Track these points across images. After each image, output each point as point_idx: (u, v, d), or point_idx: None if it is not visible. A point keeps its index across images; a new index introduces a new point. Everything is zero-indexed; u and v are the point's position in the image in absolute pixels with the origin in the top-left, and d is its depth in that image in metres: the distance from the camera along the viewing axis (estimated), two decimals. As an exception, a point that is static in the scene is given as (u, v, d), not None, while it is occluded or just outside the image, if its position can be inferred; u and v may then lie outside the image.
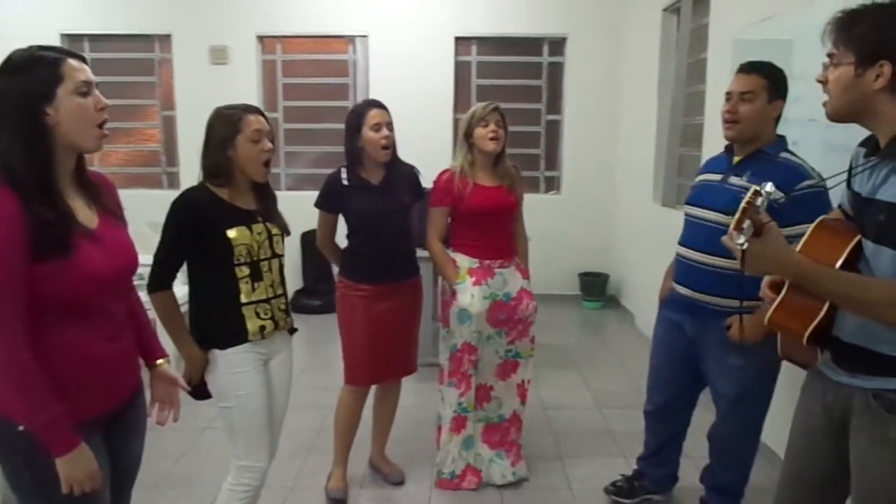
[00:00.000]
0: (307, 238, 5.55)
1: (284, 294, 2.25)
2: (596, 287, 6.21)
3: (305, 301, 5.66)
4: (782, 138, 2.35)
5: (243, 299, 2.09)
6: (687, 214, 2.50)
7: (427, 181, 2.96)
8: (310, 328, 4.72)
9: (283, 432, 2.36)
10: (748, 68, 2.34)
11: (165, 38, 6.17)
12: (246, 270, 2.08)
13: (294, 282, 5.81)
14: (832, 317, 1.50)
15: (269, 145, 2.12)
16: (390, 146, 2.73)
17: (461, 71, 6.25)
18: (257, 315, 2.12)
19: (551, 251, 5.63)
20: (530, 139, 6.38)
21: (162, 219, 2.06)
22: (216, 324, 2.10)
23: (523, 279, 2.97)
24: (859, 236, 1.48)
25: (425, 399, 3.71)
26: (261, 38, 6.19)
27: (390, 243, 2.78)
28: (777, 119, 2.34)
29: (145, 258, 1.76)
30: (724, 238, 1.44)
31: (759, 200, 1.33)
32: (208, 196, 2.08)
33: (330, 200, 2.79)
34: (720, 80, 3.67)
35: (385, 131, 2.69)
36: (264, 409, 2.16)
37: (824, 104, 1.52)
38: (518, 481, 3.04)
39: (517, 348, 2.97)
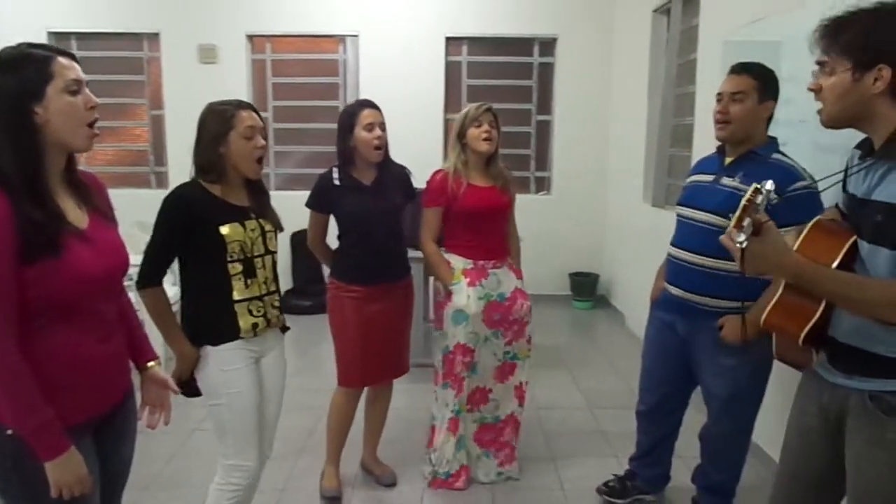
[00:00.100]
0: (297, 238, 5.53)
1: (278, 291, 2.23)
2: (586, 287, 6.23)
3: (295, 301, 5.63)
4: (774, 139, 2.36)
5: (236, 296, 2.08)
6: (678, 215, 2.50)
7: (417, 181, 2.95)
8: (300, 329, 4.67)
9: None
10: (739, 69, 2.35)
11: (154, 37, 6.12)
12: (239, 267, 2.07)
13: (284, 282, 5.72)
14: (828, 317, 1.51)
15: (262, 142, 2.11)
16: (383, 146, 2.72)
17: (452, 71, 6.25)
18: (250, 312, 2.10)
19: (541, 251, 5.63)
20: (520, 139, 6.37)
21: (150, 219, 2.05)
22: (208, 321, 2.09)
23: (517, 279, 2.97)
24: (855, 237, 1.48)
25: (417, 400, 3.70)
26: (250, 38, 6.15)
27: (382, 244, 2.77)
28: (768, 120, 2.35)
29: (134, 258, 1.75)
30: (723, 237, 1.43)
31: (760, 199, 1.33)
32: (201, 192, 2.07)
33: (321, 200, 2.77)
34: (710, 81, 3.68)
35: (378, 131, 2.68)
36: (255, 408, 2.14)
37: (819, 112, 1.51)
38: (505, 481, 3.05)
39: (514, 349, 2.97)
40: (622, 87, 5.88)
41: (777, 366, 2.21)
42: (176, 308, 2.13)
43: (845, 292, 1.42)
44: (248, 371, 2.12)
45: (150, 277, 2.05)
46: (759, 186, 1.34)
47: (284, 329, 2.32)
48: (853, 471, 1.52)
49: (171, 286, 2.10)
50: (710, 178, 2.40)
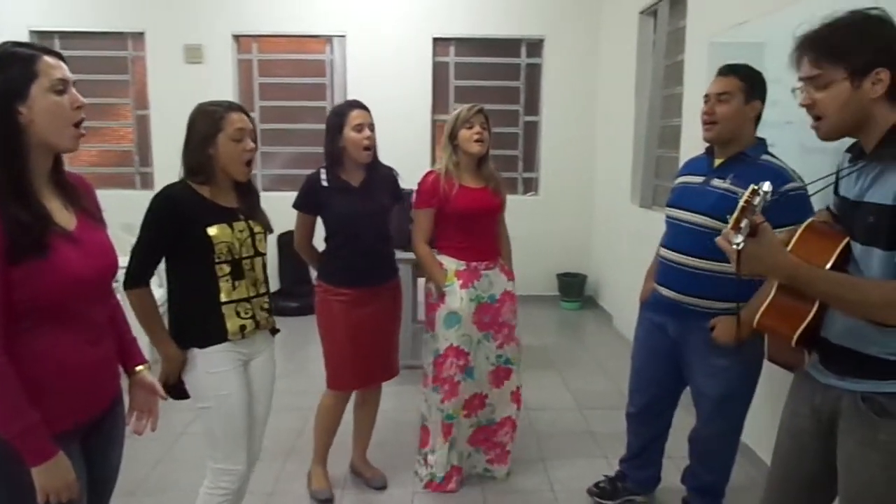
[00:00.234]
0: (284, 239, 5.49)
1: (267, 293, 2.21)
2: (574, 288, 6.24)
3: (283, 303, 5.59)
4: (762, 140, 2.37)
5: (223, 298, 2.05)
6: (668, 217, 2.50)
7: (405, 182, 2.94)
8: (287, 330, 4.63)
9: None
10: (726, 71, 2.36)
11: (138, 36, 6.07)
12: (226, 269, 2.05)
13: (271, 283, 5.72)
14: (821, 319, 1.51)
15: (252, 145, 2.09)
16: (372, 147, 2.70)
17: (439, 72, 6.24)
18: (237, 314, 2.08)
19: (529, 252, 5.60)
20: (508, 140, 6.37)
21: (136, 220, 2.03)
22: (195, 322, 2.07)
23: (507, 281, 2.96)
24: (848, 238, 1.48)
25: (405, 402, 3.69)
26: (236, 37, 6.11)
27: (370, 246, 2.75)
28: (756, 120, 2.36)
29: (121, 260, 1.72)
30: (719, 239, 1.43)
31: (757, 200, 1.33)
32: (189, 193, 2.04)
33: (309, 201, 2.75)
34: (697, 82, 3.71)
35: (367, 132, 2.66)
36: (244, 411, 2.12)
37: (815, 127, 1.50)
38: (491, 479, 3.05)
39: (507, 353, 2.96)
40: (609, 89, 5.90)
41: (765, 366, 2.22)
42: (163, 310, 2.10)
43: (840, 293, 1.42)
44: (235, 373, 2.10)
45: (138, 278, 2.02)
46: (756, 188, 1.33)
47: (274, 331, 2.30)
48: (845, 472, 1.52)
49: (158, 287, 2.07)
50: (699, 179, 2.41)
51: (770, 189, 1.34)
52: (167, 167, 2.14)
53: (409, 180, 2.94)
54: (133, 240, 2.03)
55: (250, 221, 2.12)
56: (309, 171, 2.79)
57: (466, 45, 6.27)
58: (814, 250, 1.47)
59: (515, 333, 2.98)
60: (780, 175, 2.20)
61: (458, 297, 2.81)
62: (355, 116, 2.65)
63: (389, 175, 2.86)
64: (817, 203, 1.98)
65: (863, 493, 1.49)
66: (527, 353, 4.54)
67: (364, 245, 2.74)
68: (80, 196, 1.54)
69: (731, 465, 2.59)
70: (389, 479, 3.05)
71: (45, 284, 1.37)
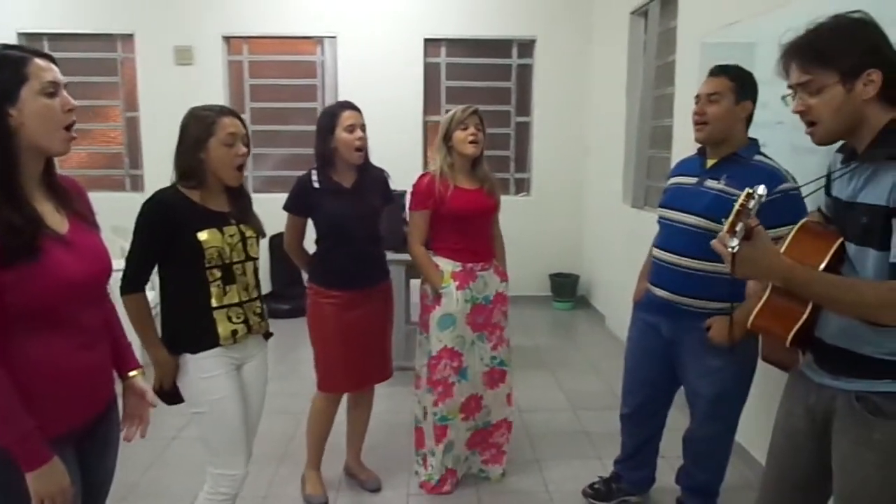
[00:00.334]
0: (275, 241, 5.41)
1: (259, 297, 2.20)
2: (566, 288, 6.25)
3: (274, 305, 5.57)
4: (755, 141, 2.37)
5: (214, 303, 2.04)
6: (662, 217, 2.50)
7: (396, 183, 2.93)
8: (279, 332, 4.61)
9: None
10: (716, 71, 2.37)
11: (128, 38, 6.03)
12: (217, 273, 2.03)
13: (262, 286, 5.71)
14: (815, 319, 1.51)
15: (244, 149, 2.08)
16: (364, 148, 2.69)
17: (431, 72, 6.23)
18: (229, 319, 2.07)
19: (522, 253, 5.59)
20: (500, 141, 6.37)
21: (125, 223, 2.02)
22: (187, 328, 2.05)
23: (501, 282, 2.96)
24: (841, 239, 1.49)
25: (398, 404, 3.68)
26: (227, 39, 6.08)
27: (361, 248, 2.74)
28: (747, 121, 2.36)
29: (114, 263, 1.71)
30: (714, 242, 1.43)
31: (752, 203, 1.33)
32: (179, 198, 2.03)
33: (300, 203, 2.74)
34: (688, 82, 3.71)
35: (359, 133, 2.65)
36: (239, 415, 2.10)
37: (810, 133, 1.50)
38: (485, 480, 3.05)
39: (501, 355, 2.96)
40: (601, 89, 5.90)
41: (760, 366, 2.23)
42: (154, 313, 2.09)
43: (835, 295, 1.42)
44: (228, 378, 2.08)
45: (134, 283, 2.02)
46: (751, 191, 1.34)
47: (268, 335, 2.28)
48: (840, 472, 1.52)
49: (149, 291, 2.06)
50: (693, 180, 2.41)
51: (765, 192, 1.34)
52: (157, 169, 2.13)
53: (400, 182, 2.93)
54: (122, 242, 2.02)
55: (241, 226, 2.11)
56: (300, 173, 2.77)
57: (458, 45, 6.27)
58: (808, 251, 1.48)
59: (505, 335, 2.98)
60: (773, 175, 2.21)
61: (454, 299, 2.81)
62: (347, 117, 2.64)
63: (380, 176, 2.86)
64: (809, 204, 1.98)
65: (857, 493, 1.49)
66: (519, 354, 4.57)
67: (356, 247, 2.73)
68: (72, 199, 1.52)
69: (725, 465, 2.59)
70: (384, 481, 3.05)
71: (36, 288, 1.36)
